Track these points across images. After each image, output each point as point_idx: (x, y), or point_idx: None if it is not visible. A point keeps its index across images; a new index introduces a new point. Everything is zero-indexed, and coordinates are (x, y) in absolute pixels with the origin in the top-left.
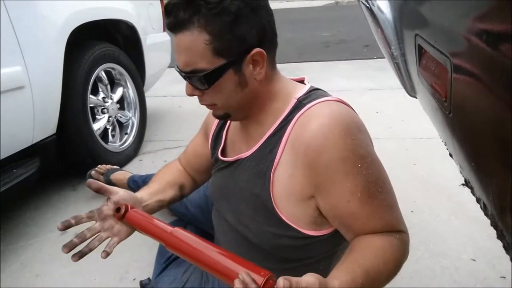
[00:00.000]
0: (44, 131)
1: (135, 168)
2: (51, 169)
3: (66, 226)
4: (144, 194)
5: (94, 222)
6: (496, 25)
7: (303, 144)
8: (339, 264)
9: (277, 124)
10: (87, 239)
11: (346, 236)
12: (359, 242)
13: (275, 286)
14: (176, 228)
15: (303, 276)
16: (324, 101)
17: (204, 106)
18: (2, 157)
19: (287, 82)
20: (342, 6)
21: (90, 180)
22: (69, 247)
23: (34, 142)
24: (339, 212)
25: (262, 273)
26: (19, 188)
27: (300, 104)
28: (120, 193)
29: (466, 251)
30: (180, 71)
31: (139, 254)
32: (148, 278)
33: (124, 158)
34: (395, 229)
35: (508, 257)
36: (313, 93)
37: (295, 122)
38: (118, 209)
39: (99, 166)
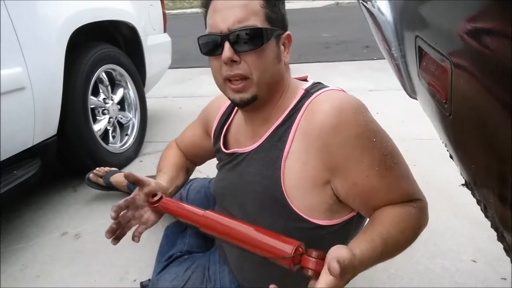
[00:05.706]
0: (44, 132)
1: (135, 169)
2: (52, 170)
3: (114, 218)
4: (164, 182)
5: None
6: (496, 26)
7: (316, 127)
8: (360, 234)
9: (286, 114)
10: (122, 225)
11: (366, 214)
12: (378, 214)
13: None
14: (207, 211)
15: (335, 248)
16: (330, 89)
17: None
18: (3, 158)
19: (293, 79)
20: (343, 7)
21: (127, 173)
22: (110, 232)
23: (34, 143)
24: (358, 189)
25: (292, 242)
26: (20, 189)
27: (307, 93)
28: (152, 184)
29: (467, 252)
30: (226, 34)
31: (139, 254)
32: (149, 279)
33: (124, 159)
34: (413, 198)
35: (508, 259)
36: (319, 85)
37: (305, 110)
38: (153, 196)
39: (97, 168)
